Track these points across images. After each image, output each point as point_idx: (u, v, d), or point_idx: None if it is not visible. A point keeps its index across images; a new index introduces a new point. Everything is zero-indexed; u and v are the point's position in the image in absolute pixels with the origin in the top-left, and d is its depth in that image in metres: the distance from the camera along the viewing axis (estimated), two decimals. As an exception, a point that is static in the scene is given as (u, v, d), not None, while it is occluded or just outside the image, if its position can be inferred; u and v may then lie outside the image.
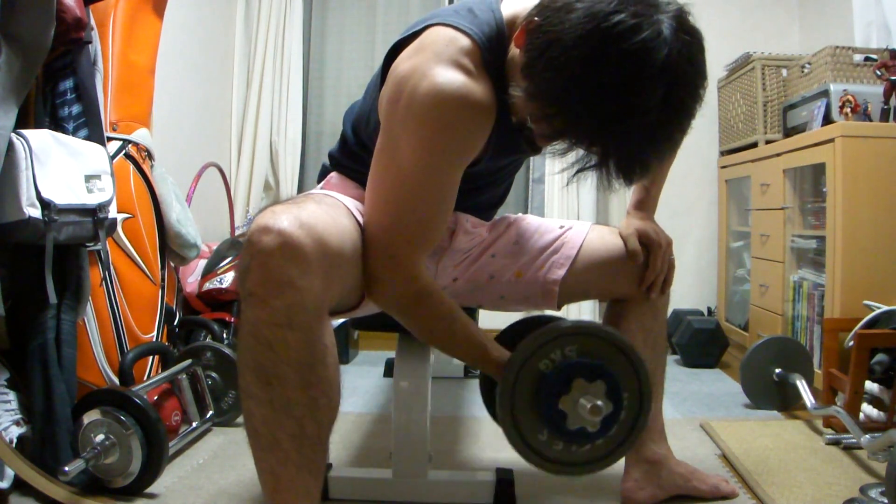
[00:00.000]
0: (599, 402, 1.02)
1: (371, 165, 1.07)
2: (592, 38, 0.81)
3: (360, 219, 1.08)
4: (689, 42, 0.84)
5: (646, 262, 1.34)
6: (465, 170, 1.07)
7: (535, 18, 0.90)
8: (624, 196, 2.83)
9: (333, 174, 1.29)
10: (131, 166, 1.77)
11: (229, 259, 2.34)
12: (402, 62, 1.03)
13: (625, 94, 0.82)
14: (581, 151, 0.93)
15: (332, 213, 1.00)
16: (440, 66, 0.98)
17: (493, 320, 2.59)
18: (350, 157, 1.25)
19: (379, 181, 1.05)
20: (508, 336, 1.37)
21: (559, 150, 0.95)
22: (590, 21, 0.82)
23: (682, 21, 0.85)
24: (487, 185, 1.30)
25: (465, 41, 1.00)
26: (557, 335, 1.06)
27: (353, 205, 1.10)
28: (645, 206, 1.41)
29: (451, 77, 0.97)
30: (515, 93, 0.95)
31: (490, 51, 1.02)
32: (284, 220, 0.90)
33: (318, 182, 1.33)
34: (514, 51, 0.99)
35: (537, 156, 1.39)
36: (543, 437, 1.07)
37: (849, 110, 2.07)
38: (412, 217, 1.03)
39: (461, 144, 1.02)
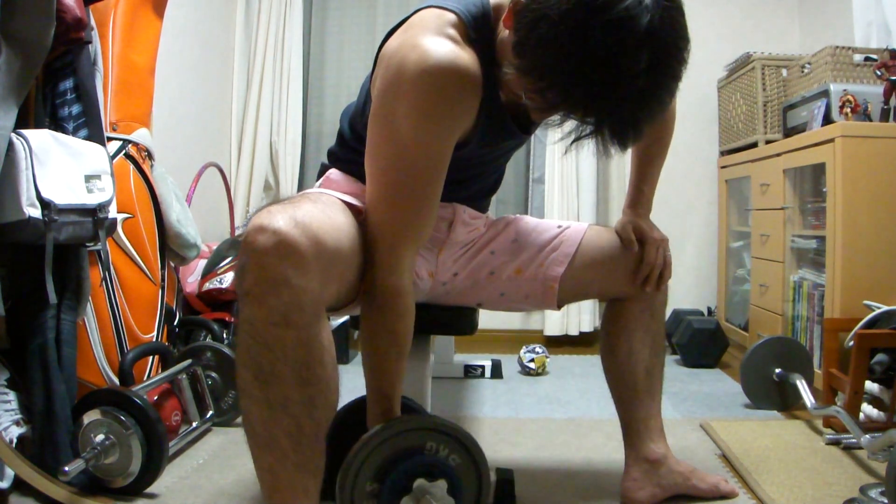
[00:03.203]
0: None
1: (365, 152, 1.07)
2: (577, 11, 0.84)
3: (360, 207, 1.09)
4: (669, 7, 0.87)
5: (640, 256, 1.36)
6: (455, 155, 1.08)
7: None
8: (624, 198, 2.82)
9: (333, 170, 1.29)
10: (131, 166, 1.77)
11: (229, 259, 2.34)
12: (391, 43, 1.05)
13: (612, 62, 0.85)
14: (576, 122, 0.95)
15: (328, 211, 1.01)
16: (428, 36, 1.00)
17: (492, 320, 2.59)
18: (348, 152, 1.26)
19: (375, 158, 1.06)
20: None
21: (553, 122, 0.97)
22: None
23: None
24: (478, 175, 1.31)
25: (450, 16, 1.04)
26: (402, 430, 1.06)
27: (350, 200, 1.11)
28: (639, 205, 1.44)
29: (439, 45, 1.00)
30: (508, 70, 0.97)
31: (475, 29, 1.05)
32: (280, 219, 0.90)
33: (317, 180, 1.33)
34: (504, 32, 1.02)
35: (527, 140, 1.39)
36: None
37: (849, 110, 2.07)
38: (410, 193, 1.04)
39: (453, 110, 1.03)
